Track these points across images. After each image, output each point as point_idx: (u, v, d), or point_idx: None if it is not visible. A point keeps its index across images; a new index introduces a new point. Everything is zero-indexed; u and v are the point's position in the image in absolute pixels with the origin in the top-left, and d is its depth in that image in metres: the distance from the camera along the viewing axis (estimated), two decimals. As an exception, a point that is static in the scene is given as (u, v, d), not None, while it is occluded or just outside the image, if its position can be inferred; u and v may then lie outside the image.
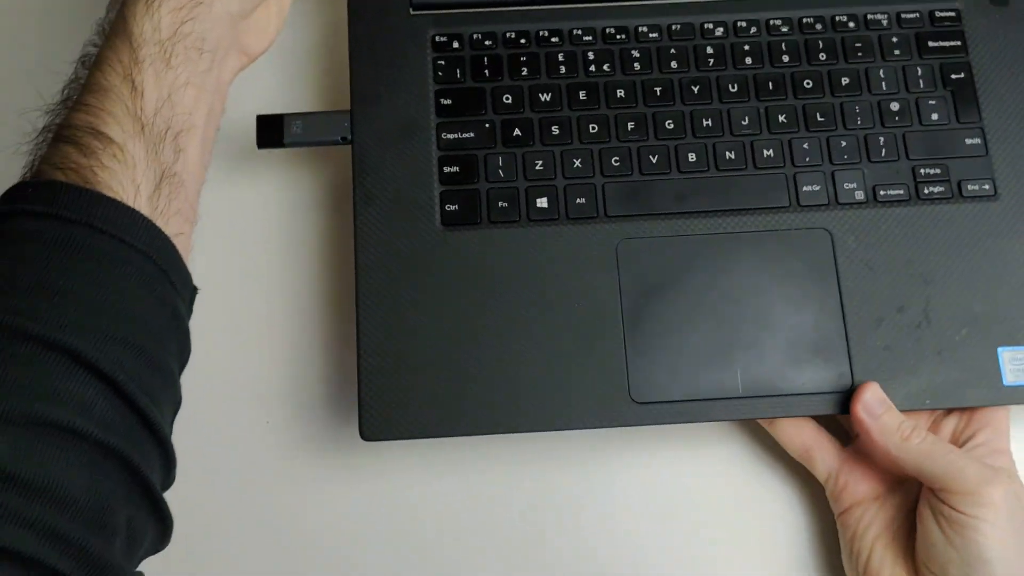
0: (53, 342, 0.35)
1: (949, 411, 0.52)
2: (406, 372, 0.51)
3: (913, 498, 0.50)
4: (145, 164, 0.41)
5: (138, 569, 0.38)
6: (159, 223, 0.40)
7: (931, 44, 0.56)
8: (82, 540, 0.33)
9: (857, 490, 0.51)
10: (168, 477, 0.40)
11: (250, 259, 0.56)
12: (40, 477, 0.33)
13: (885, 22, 0.57)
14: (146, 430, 0.37)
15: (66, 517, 0.33)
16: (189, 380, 0.42)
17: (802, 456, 0.52)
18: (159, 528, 0.39)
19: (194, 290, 0.43)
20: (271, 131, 0.54)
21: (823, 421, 0.53)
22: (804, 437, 0.52)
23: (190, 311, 0.43)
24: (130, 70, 0.42)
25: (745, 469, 0.54)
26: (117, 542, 0.35)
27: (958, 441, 0.51)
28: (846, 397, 0.51)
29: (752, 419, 0.53)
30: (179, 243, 0.42)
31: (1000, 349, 0.51)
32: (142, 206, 0.40)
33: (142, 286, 0.39)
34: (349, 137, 0.54)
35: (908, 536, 0.49)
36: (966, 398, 0.51)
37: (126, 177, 0.40)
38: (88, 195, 0.38)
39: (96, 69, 0.42)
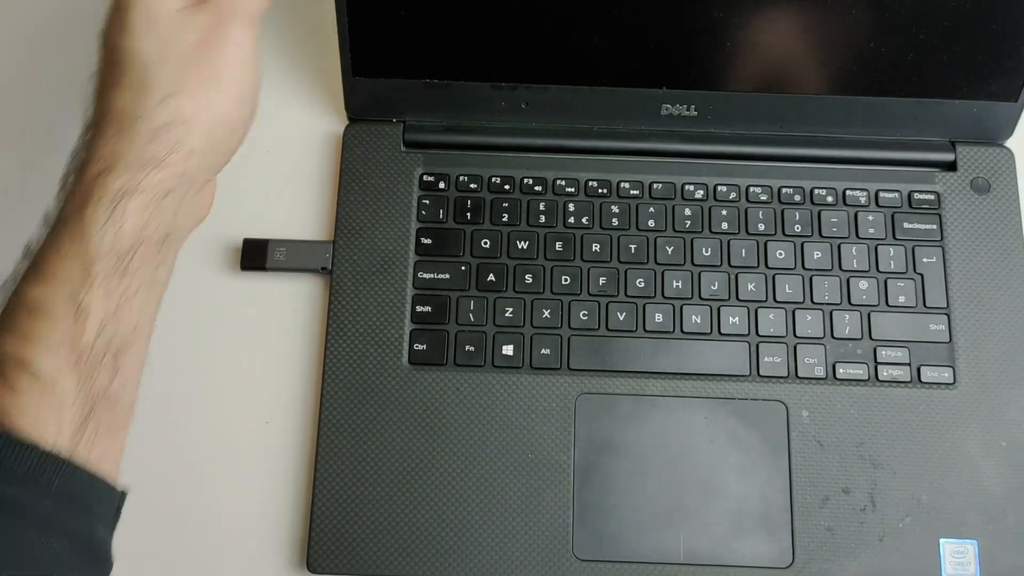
0: None
1: None
2: (357, 507, 0.52)
3: None
4: (74, 396, 0.39)
5: None
6: (82, 452, 0.39)
7: (906, 226, 0.57)
8: None
9: None
10: None
11: (223, 376, 0.57)
12: None
13: (863, 200, 0.58)
14: None
15: None
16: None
17: None
18: None
19: (122, 497, 0.42)
20: (255, 255, 0.56)
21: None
22: None
23: (115, 523, 0.42)
24: (78, 290, 0.39)
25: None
26: None
27: None
28: (786, 575, 0.51)
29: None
30: (108, 459, 0.41)
31: (942, 541, 0.52)
32: (64, 444, 0.39)
33: (51, 532, 0.38)
34: (329, 267, 0.56)
35: None
36: (904, 587, 0.51)
37: (51, 414, 0.38)
38: (2, 442, 0.37)
39: (39, 281, 0.40)
